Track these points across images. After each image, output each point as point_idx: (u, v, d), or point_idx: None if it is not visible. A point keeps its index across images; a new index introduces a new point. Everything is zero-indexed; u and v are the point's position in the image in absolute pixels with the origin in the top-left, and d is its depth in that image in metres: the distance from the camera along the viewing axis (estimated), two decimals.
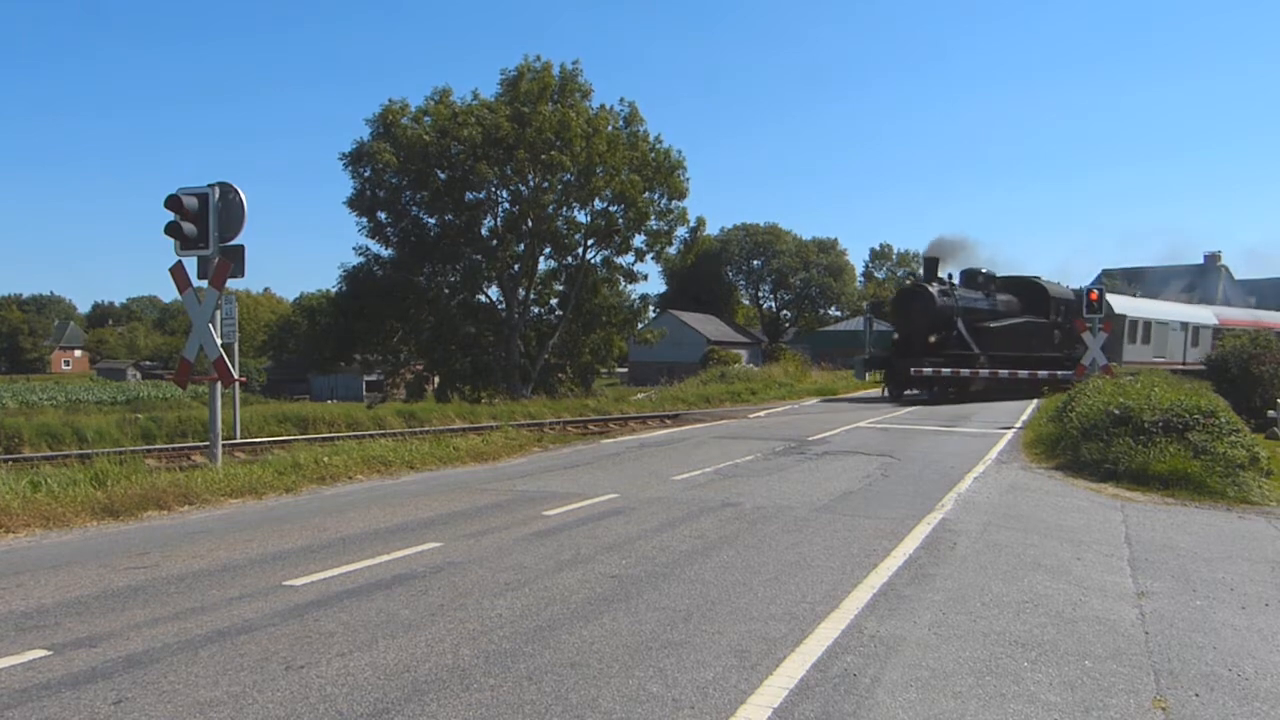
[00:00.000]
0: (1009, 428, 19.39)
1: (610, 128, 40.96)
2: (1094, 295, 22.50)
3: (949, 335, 30.16)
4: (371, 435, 16.95)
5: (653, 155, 42.44)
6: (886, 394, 31.99)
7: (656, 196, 43.13)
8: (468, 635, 5.31)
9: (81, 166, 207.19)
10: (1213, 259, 71.40)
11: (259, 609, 5.75)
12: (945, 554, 7.70)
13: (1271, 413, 22.27)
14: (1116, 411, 13.47)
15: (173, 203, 10.59)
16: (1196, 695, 4.74)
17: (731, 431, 17.75)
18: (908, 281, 32.39)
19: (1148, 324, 38.23)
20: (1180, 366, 38.33)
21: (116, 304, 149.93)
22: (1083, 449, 13.22)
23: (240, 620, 5.51)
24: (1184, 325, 40.71)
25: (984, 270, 34.81)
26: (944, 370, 31.79)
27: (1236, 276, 72.13)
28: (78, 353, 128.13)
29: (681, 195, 43.39)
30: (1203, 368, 39.14)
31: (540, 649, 5.09)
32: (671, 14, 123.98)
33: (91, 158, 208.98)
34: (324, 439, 16.62)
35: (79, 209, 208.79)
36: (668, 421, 22.32)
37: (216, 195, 10.54)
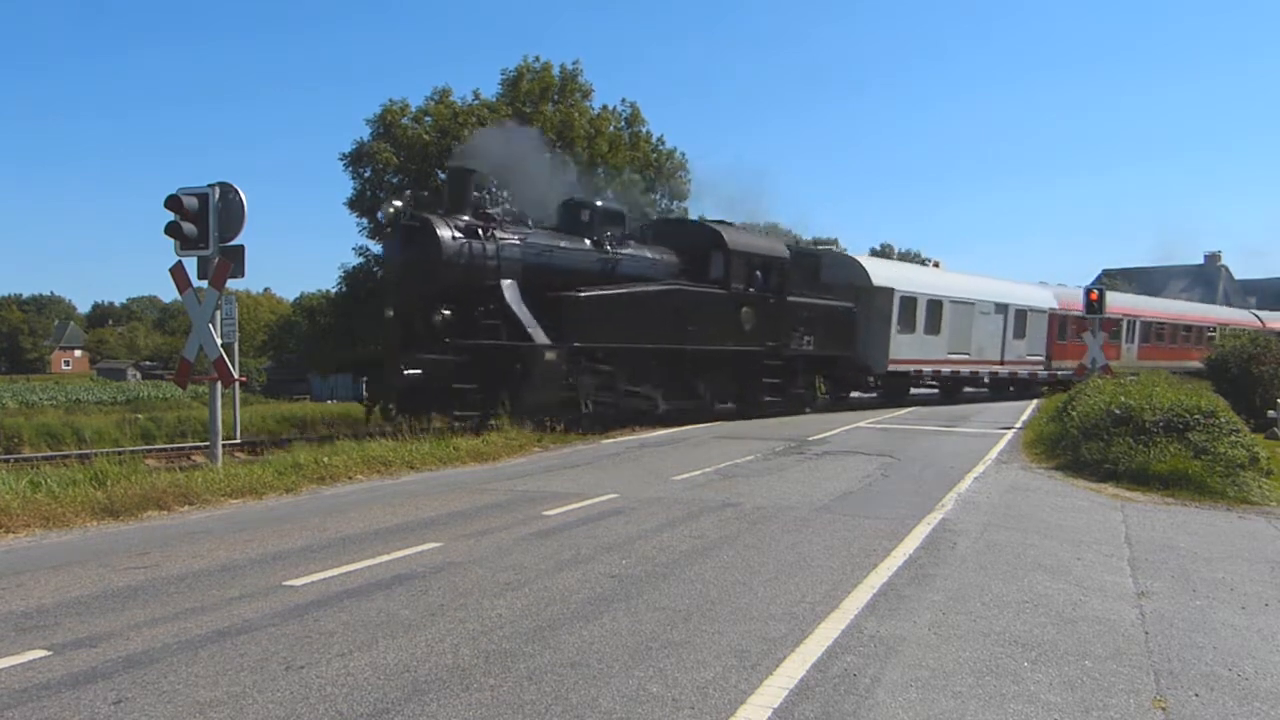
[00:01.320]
0: (1009, 428, 19.40)
1: (612, 128, 40.94)
2: (1094, 295, 22.45)
3: (484, 310, 16.16)
4: (371, 435, 16.93)
5: (654, 155, 42.40)
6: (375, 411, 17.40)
7: (658, 197, 43.10)
8: (468, 635, 5.31)
9: (81, 166, 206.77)
10: (1213, 259, 71.44)
11: (259, 609, 5.75)
12: (945, 554, 7.70)
13: (1271, 413, 22.27)
14: (1117, 411, 13.47)
15: (173, 203, 10.59)
16: (1196, 695, 4.74)
17: (731, 431, 17.75)
18: (393, 207, 16.83)
19: (936, 304, 26.50)
20: (997, 368, 29.39)
21: (116, 304, 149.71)
22: (1083, 449, 13.23)
23: (240, 620, 5.51)
24: (1001, 308, 29.30)
25: (601, 203, 19.72)
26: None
27: (1236, 276, 72.18)
28: (78, 353, 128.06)
29: (683, 197, 43.35)
30: (1037, 371, 31.29)
31: (540, 649, 5.09)
32: (671, 14, 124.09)
33: (91, 158, 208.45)
34: (324, 439, 16.61)
35: (79, 209, 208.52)
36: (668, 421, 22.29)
37: (216, 195, 10.54)
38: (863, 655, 5.11)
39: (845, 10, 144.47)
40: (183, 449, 15.28)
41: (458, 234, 16.06)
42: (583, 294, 17.15)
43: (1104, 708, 4.51)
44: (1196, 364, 36.05)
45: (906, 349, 25.69)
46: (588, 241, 18.43)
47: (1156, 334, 37.97)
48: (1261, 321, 43.85)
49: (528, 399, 15.89)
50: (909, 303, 25.76)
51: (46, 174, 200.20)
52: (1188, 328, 39.93)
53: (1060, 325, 32.00)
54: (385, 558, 7.12)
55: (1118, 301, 36.18)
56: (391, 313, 16.73)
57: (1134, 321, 36.89)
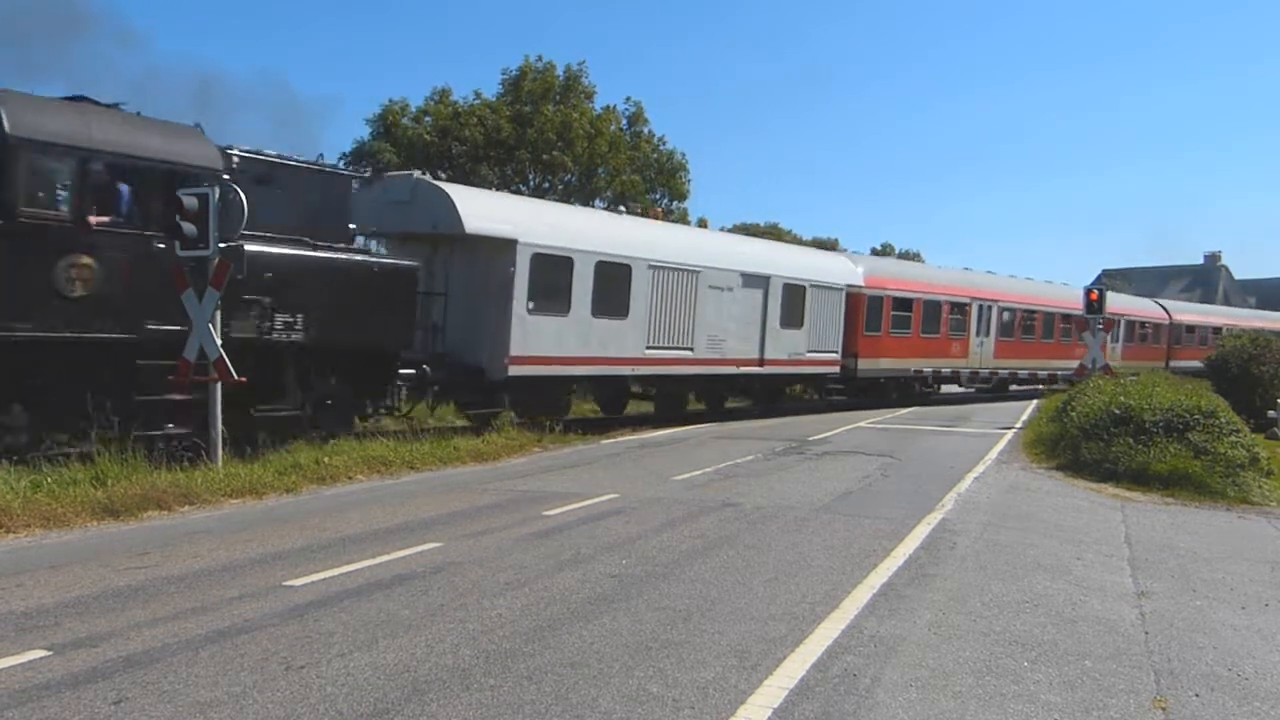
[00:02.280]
0: (1009, 428, 19.40)
1: (613, 127, 40.95)
2: (1094, 295, 22.38)
3: None
4: (371, 435, 16.93)
5: (655, 156, 42.43)
6: None
7: (658, 198, 43.10)
8: (467, 635, 5.31)
9: None
10: (1213, 259, 71.47)
11: (259, 609, 5.75)
12: (945, 554, 7.71)
13: (1271, 413, 22.26)
14: (1117, 411, 13.48)
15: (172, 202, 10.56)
16: (1196, 695, 4.75)
17: (731, 432, 17.75)
18: None
19: (615, 270, 16.80)
20: (754, 369, 20.09)
21: None
22: (1083, 449, 13.23)
23: (240, 620, 5.51)
24: (756, 282, 19.93)
25: None
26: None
27: (1236, 276, 72.25)
28: None
29: (683, 197, 43.37)
30: (830, 371, 22.33)
31: (540, 649, 5.09)
32: (671, 14, 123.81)
33: None
34: (324, 438, 16.58)
35: None
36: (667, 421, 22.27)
37: (216, 195, 10.52)
38: (863, 655, 5.11)
39: (845, 10, 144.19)
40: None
41: None
42: None
43: (1104, 708, 4.52)
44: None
45: (553, 340, 15.60)
46: None
47: (1025, 325, 29.37)
48: (1168, 314, 37.58)
49: None
50: (554, 265, 15.67)
51: None
52: (1068, 318, 30.14)
53: (870, 310, 23.31)
54: (385, 558, 7.12)
55: (965, 281, 27.97)
56: None
57: (987, 307, 27.46)
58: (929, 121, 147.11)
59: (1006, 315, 28.47)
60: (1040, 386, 30.62)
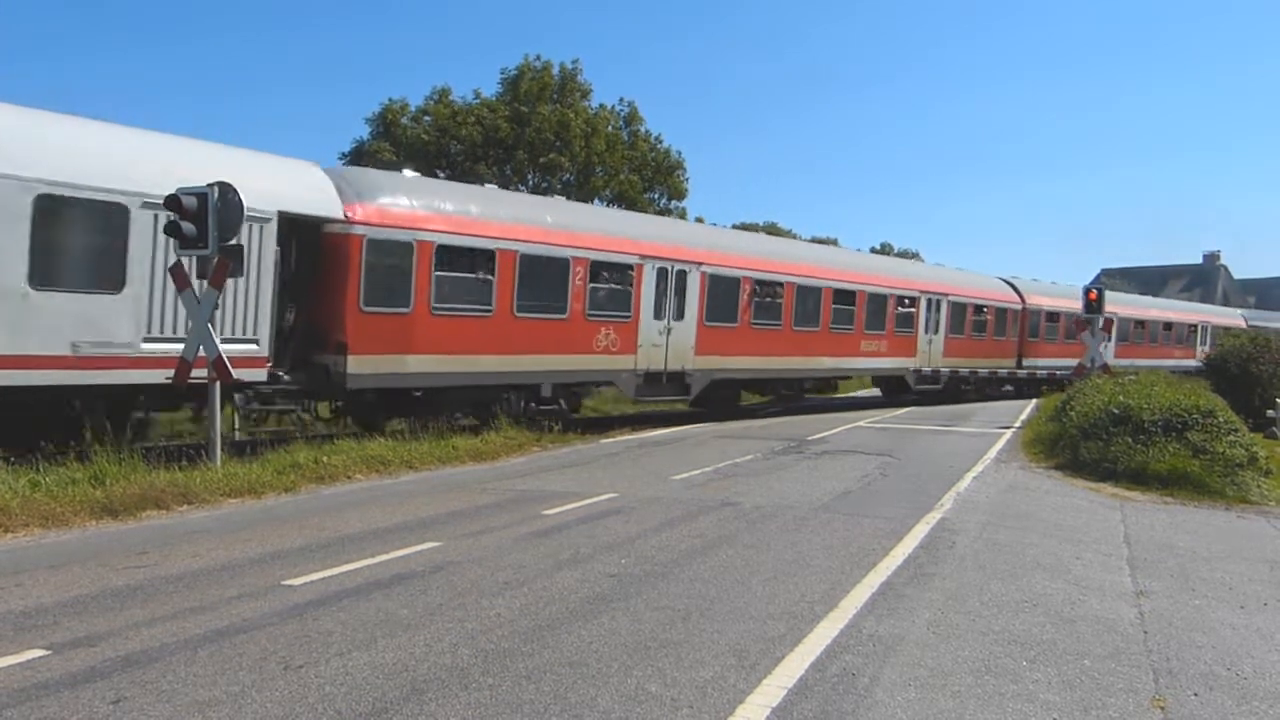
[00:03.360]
0: (1008, 427, 19.40)
1: (610, 127, 40.96)
2: (1093, 295, 22.37)
3: None
4: (370, 434, 16.91)
5: (652, 155, 42.43)
6: None
7: (655, 197, 43.11)
8: (466, 635, 5.31)
9: None
10: (1212, 258, 71.56)
11: (257, 608, 5.75)
12: (944, 553, 7.71)
13: (1271, 412, 22.28)
14: (1116, 411, 13.48)
15: (171, 202, 10.56)
16: (1195, 694, 4.75)
17: (730, 431, 17.74)
18: None
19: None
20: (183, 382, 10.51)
21: None
22: (1082, 448, 13.24)
23: (239, 620, 5.51)
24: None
25: None
26: None
27: (1235, 276, 72.32)
28: None
29: (681, 196, 43.38)
30: (243, 375, 11.01)
31: (539, 648, 5.09)
32: (671, 13, 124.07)
33: None
34: (323, 438, 16.59)
35: None
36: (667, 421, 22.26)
37: (215, 195, 10.51)
38: (862, 654, 5.11)
39: (845, 10, 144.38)
40: (182, 448, 15.19)
41: None
42: None
43: (1103, 707, 4.52)
44: (882, 365, 23.30)
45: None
46: None
47: (762, 305, 19.72)
48: (1021, 296, 28.70)
49: None
50: None
51: None
52: (846, 294, 21.89)
53: (373, 267, 13.27)
54: (384, 557, 7.12)
55: (624, 230, 17.62)
56: None
57: (680, 272, 17.86)
58: (929, 121, 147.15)
59: (721, 288, 18.69)
60: (802, 396, 23.24)
